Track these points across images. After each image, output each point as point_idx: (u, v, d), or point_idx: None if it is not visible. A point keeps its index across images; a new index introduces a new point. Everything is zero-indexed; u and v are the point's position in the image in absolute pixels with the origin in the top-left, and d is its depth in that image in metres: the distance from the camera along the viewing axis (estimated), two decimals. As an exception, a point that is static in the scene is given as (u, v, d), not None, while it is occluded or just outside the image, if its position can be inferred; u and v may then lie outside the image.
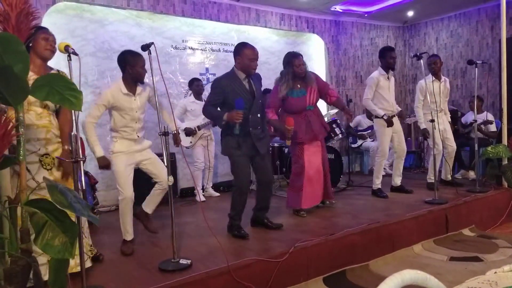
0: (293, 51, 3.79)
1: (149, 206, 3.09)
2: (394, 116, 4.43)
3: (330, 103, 3.93)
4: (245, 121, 3.00)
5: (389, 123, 4.29)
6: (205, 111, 3.17)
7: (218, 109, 3.12)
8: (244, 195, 3.15)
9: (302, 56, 3.69)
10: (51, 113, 2.36)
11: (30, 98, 2.04)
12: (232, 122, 2.95)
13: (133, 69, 2.83)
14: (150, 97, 2.98)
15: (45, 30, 2.38)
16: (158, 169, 2.96)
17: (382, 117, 4.29)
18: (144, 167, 2.98)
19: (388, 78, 4.39)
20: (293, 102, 3.63)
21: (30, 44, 2.24)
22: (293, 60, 3.59)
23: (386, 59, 4.34)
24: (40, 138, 2.27)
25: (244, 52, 3.04)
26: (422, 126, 4.61)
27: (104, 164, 2.79)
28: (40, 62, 2.33)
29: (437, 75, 4.65)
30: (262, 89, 3.45)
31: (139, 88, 2.91)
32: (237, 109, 2.93)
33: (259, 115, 3.17)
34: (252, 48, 3.08)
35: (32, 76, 2.12)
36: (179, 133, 3.01)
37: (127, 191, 2.82)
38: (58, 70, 2.41)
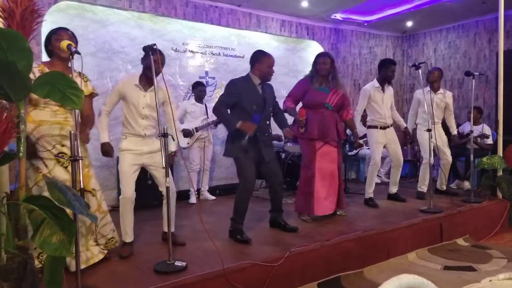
0: (323, 51, 3.91)
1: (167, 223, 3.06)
2: (387, 127, 4.46)
3: (345, 120, 3.90)
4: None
5: (358, 146, 4.18)
6: (217, 111, 3.18)
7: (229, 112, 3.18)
8: (248, 198, 3.17)
9: (328, 55, 3.76)
10: (69, 110, 2.43)
11: None
12: (244, 132, 3.00)
13: (143, 62, 2.87)
14: (165, 103, 2.97)
15: (58, 31, 2.46)
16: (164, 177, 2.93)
17: (358, 139, 4.12)
18: (151, 171, 2.98)
19: (382, 90, 4.40)
20: (314, 94, 3.65)
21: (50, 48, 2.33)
22: (317, 58, 3.72)
23: (387, 72, 4.35)
24: (54, 135, 2.37)
25: (264, 60, 3.17)
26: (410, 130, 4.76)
27: (106, 149, 2.81)
28: (60, 64, 2.44)
29: (433, 86, 4.71)
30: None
31: (152, 87, 2.81)
32: (253, 121, 3.00)
33: (268, 122, 3.27)
34: (271, 56, 3.22)
35: None
36: (175, 155, 3.05)
37: (129, 191, 2.82)
38: (79, 72, 2.41)
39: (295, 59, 6.23)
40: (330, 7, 5.95)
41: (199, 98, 4.89)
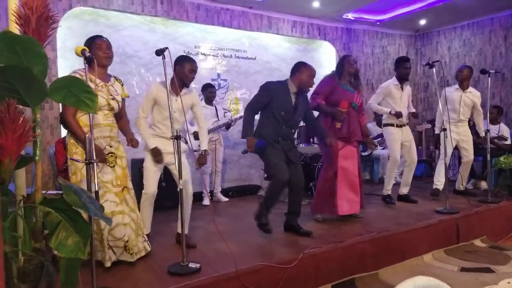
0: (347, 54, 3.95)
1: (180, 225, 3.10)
2: (403, 125, 4.41)
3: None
4: (278, 131, 3.18)
5: (398, 116, 4.26)
6: (245, 113, 3.23)
7: (257, 116, 3.25)
8: (283, 187, 3.12)
9: (353, 57, 3.90)
10: (112, 114, 2.66)
11: (101, 102, 2.50)
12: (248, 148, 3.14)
13: (181, 70, 2.97)
14: (194, 106, 3.15)
15: (96, 40, 2.58)
16: (184, 176, 2.96)
17: (390, 113, 4.29)
18: (173, 171, 3.05)
19: (401, 88, 4.38)
20: (343, 92, 3.66)
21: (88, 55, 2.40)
22: (344, 59, 3.81)
23: (400, 69, 4.36)
24: (105, 136, 2.60)
25: (305, 70, 3.24)
26: (436, 131, 4.67)
27: (156, 154, 2.93)
28: (101, 70, 2.57)
29: (462, 85, 4.64)
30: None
31: (183, 91, 3.04)
32: (256, 147, 3.09)
33: (293, 130, 3.35)
34: (312, 68, 3.29)
35: (100, 83, 2.52)
36: (207, 154, 3.17)
37: (151, 187, 2.99)
38: (115, 77, 2.73)
39: (307, 59, 6.11)
40: (341, 7, 5.91)
41: (209, 100, 4.90)
